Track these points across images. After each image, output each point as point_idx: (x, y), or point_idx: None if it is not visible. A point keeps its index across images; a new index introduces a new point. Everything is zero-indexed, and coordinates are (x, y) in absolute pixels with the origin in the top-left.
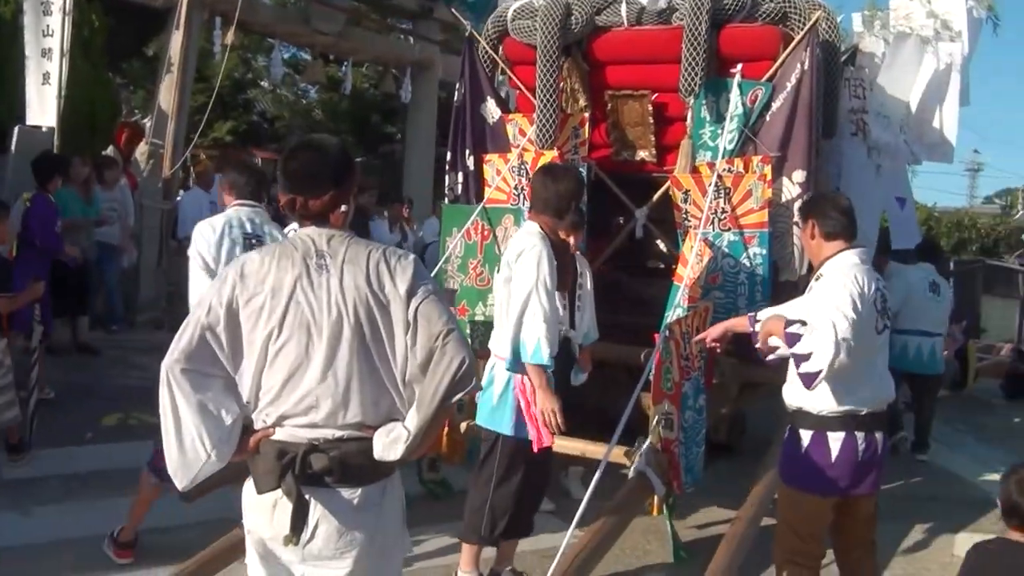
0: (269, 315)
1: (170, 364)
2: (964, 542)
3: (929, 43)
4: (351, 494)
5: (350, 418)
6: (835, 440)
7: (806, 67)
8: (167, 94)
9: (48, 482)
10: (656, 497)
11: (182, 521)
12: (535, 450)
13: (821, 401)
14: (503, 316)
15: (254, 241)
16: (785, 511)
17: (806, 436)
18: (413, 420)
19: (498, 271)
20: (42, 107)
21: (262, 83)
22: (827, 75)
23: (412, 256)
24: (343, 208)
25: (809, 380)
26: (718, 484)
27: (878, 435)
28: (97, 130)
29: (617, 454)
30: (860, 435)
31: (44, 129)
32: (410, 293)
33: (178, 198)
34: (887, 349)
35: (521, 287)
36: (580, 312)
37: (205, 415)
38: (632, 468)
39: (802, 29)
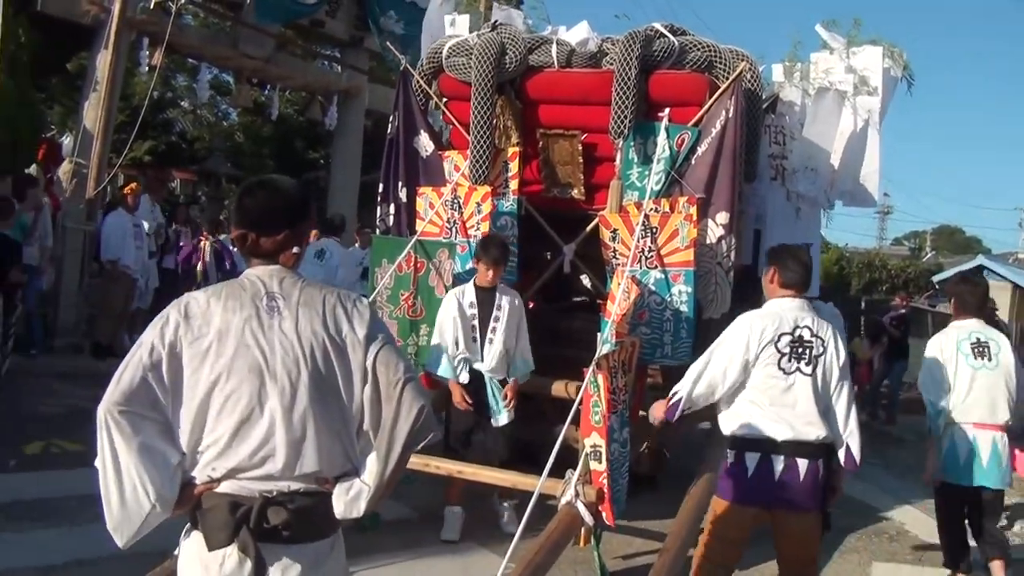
0: (216, 359)
1: (108, 406)
2: (881, 571)
3: (848, 98)
4: (303, 550)
5: (306, 468)
6: (752, 459)
7: (731, 114)
8: (92, 113)
9: None
10: (584, 529)
11: (110, 552)
12: None
13: (741, 428)
14: None
15: None
16: (710, 515)
17: (731, 455)
18: (372, 473)
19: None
20: None
21: (182, 103)
22: (749, 122)
23: (366, 301)
24: (295, 249)
25: (671, 411)
26: (643, 515)
27: (801, 461)
28: (19, 148)
29: (548, 486)
30: (779, 458)
31: None
32: (369, 339)
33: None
34: (818, 388)
35: None
36: (490, 345)
37: (147, 458)
38: (562, 500)
39: (727, 78)
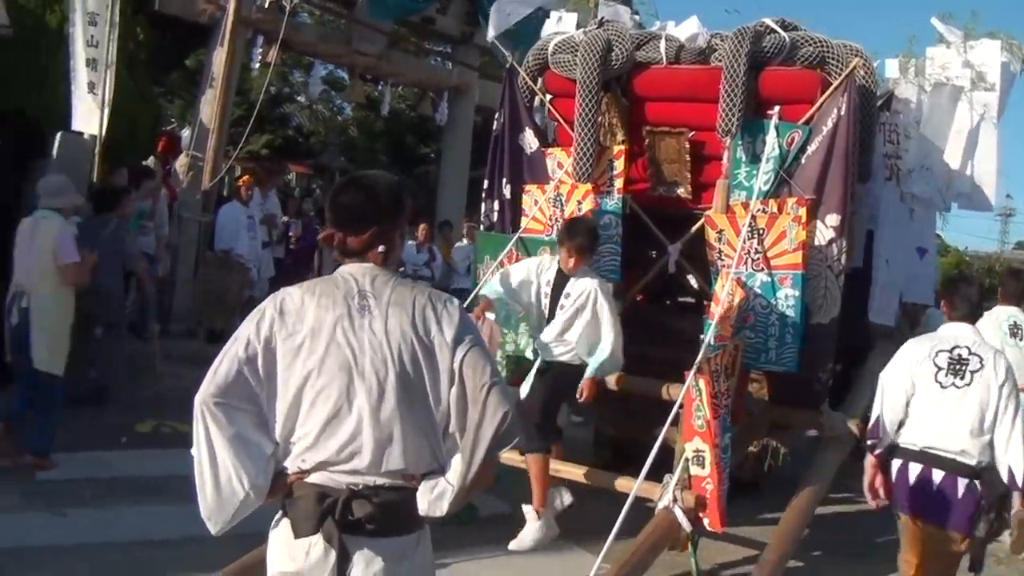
0: (308, 355)
1: (204, 398)
2: None
3: (964, 94)
4: (388, 543)
5: (392, 465)
6: (895, 465)
7: (843, 112)
8: (208, 108)
9: (82, 485)
10: (682, 534)
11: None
12: None
13: (894, 435)
14: None
15: None
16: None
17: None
18: (456, 474)
19: None
20: (87, 116)
21: (299, 98)
22: (863, 120)
23: (457, 302)
24: (381, 248)
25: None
26: (744, 523)
27: (937, 472)
28: (138, 141)
29: (646, 488)
30: (917, 466)
31: (87, 136)
32: (456, 341)
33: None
34: (972, 404)
35: None
36: (550, 327)
37: (241, 448)
38: (659, 504)
39: (840, 74)
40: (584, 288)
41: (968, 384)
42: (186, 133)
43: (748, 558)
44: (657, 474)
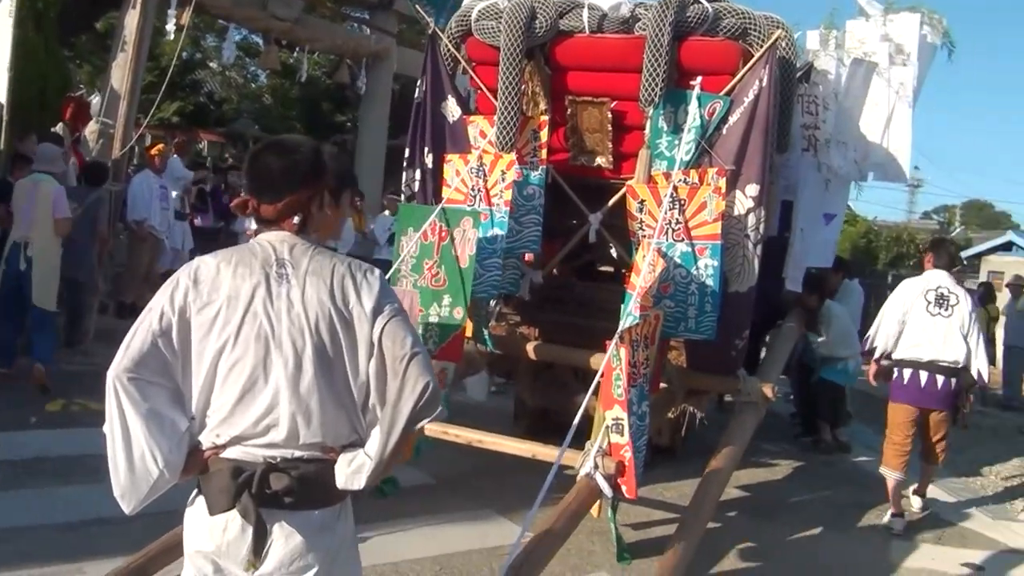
0: (223, 326)
1: (118, 372)
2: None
3: (879, 70)
4: (307, 517)
5: (310, 438)
6: (907, 373)
7: (764, 84)
8: (119, 73)
9: None
10: (601, 499)
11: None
12: None
13: (901, 352)
14: None
15: None
16: (889, 417)
17: (896, 371)
18: (375, 446)
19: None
20: None
21: (211, 64)
22: (783, 92)
23: (378, 272)
24: (296, 218)
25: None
26: (661, 487)
27: (939, 376)
28: (47, 106)
29: (568, 457)
30: (924, 373)
31: None
32: (376, 311)
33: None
34: (953, 326)
35: None
36: None
37: (154, 425)
38: (580, 471)
39: (762, 46)
40: None
41: (950, 315)
42: (96, 99)
43: (668, 520)
44: (578, 443)
